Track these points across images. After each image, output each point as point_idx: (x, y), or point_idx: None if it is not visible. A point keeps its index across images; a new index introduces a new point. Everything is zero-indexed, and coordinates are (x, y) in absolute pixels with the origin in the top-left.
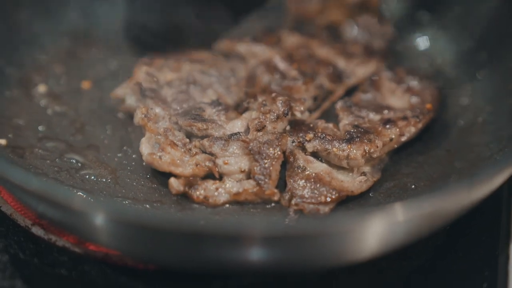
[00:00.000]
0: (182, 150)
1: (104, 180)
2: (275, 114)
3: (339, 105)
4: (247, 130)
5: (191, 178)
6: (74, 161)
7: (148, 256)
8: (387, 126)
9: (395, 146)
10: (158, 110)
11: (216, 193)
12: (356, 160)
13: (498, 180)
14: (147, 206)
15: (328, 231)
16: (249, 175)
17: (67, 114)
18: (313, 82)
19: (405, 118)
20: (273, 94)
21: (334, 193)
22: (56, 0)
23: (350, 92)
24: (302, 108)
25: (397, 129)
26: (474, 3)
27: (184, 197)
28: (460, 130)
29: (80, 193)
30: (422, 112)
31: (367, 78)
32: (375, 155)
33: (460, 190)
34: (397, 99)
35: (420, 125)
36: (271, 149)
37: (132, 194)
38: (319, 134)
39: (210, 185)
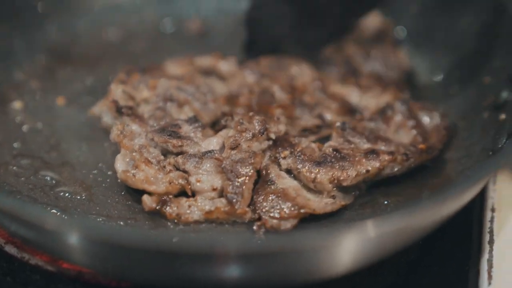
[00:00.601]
0: (156, 167)
1: (78, 197)
2: (251, 133)
3: (336, 124)
4: (223, 148)
5: (164, 196)
6: (48, 178)
7: (121, 273)
8: (369, 157)
9: (375, 178)
10: (134, 127)
11: (188, 211)
12: (322, 184)
13: (468, 195)
14: (121, 223)
15: (298, 247)
16: (222, 193)
17: (42, 131)
18: (290, 108)
19: (391, 153)
20: (250, 113)
21: (295, 209)
22: (33, 17)
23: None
24: (277, 129)
25: (378, 163)
26: (448, 20)
27: (158, 214)
28: None
29: (53, 211)
30: (414, 151)
31: (379, 108)
32: (345, 183)
33: (429, 206)
34: (402, 134)
35: (407, 164)
36: (244, 167)
37: (107, 211)
38: (296, 152)
39: (183, 202)
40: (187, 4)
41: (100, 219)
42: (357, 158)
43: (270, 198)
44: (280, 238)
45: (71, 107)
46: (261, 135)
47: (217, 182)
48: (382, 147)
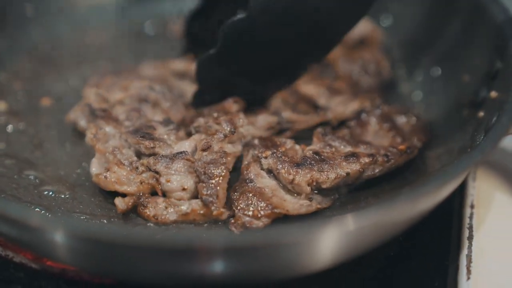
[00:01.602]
0: (128, 168)
1: (62, 196)
2: (222, 134)
3: (317, 130)
4: (195, 150)
5: (140, 196)
6: (32, 177)
7: (103, 270)
8: (349, 160)
9: (356, 181)
10: (108, 129)
11: (165, 212)
12: (299, 186)
13: (444, 191)
14: (104, 221)
15: (273, 242)
16: (192, 193)
17: (26, 131)
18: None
19: (371, 155)
20: (215, 114)
21: (268, 208)
22: (17, 19)
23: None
24: (241, 122)
25: (358, 165)
26: (429, 19)
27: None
28: None
29: (37, 210)
30: (395, 152)
31: (353, 115)
32: (324, 186)
33: (406, 201)
34: (381, 137)
35: (388, 165)
36: (216, 168)
37: (90, 209)
38: (277, 153)
39: (160, 202)
40: (170, 6)
41: (83, 217)
42: (337, 161)
43: (245, 196)
44: (254, 233)
45: (55, 108)
46: (233, 134)
47: (187, 182)
48: (362, 150)
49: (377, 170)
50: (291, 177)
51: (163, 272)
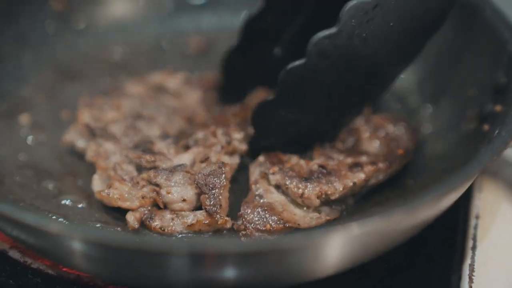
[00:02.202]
0: (130, 184)
1: (79, 205)
2: (219, 146)
3: (316, 147)
4: (194, 163)
5: (148, 211)
6: (51, 187)
7: (118, 277)
8: (354, 170)
9: (362, 190)
10: (108, 146)
11: (171, 223)
12: (309, 199)
13: (443, 203)
14: (118, 229)
15: (277, 248)
16: (192, 204)
17: (47, 143)
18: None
19: (374, 163)
20: (211, 128)
21: (280, 223)
22: (40, 36)
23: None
24: (239, 136)
25: (363, 174)
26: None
27: None
28: (423, 157)
29: (53, 217)
30: (394, 157)
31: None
32: (333, 197)
33: (405, 211)
34: (375, 145)
35: (390, 170)
36: (216, 179)
37: (105, 218)
38: (285, 168)
39: (166, 215)
40: (188, 21)
41: (99, 225)
42: (343, 172)
43: (257, 210)
44: (263, 240)
45: (74, 121)
46: (228, 145)
47: (187, 193)
48: (363, 159)
49: (380, 177)
50: (300, 191)
51: (177, 279)
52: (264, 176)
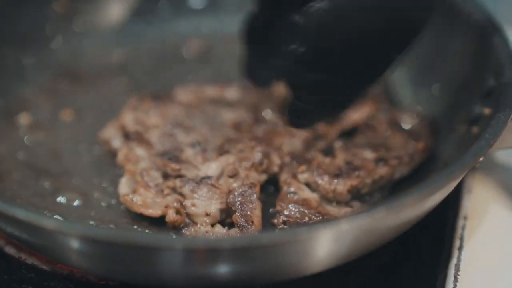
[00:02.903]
0: (154, 191)
1: (74, 203)
2: (250, 162)
3: (337, 144)
4: (221, 174)
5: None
6: (47, 185)
7: (110, 273)
8: (379, 164)
9: (387, 184)
10: (139, 151)
11: None
12: (341, 194)
13: (422, 204)
14: (112, 226)
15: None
16: (215, 218)
17: (45, 143)
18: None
19: (398, 157)
20: (252, 143)
21: (319, 215)
22: (41, 37)
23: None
24: (278, 161)
25: (389, 168)
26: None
27: (156, 224)
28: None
29: (48, 215)
30: (415, 151)
31: (363, 121)
32: (363, 191)
33: (384, 211)
34: (393, 139)
35: (413, 164)
36: (247, 200)
37: (99, 216)
38: (312, 167)
39: (200, 229)
40: (188, 25)
41: (93, 223)
42: (369, 167)
43: (294, 205)
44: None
45: (74, 122)
46: (260, 165)
47: (211, 207)
48: (386, 153)
49: (405, 171)
50: (332, 187)
51: (165, 274)
52: (294, 176)
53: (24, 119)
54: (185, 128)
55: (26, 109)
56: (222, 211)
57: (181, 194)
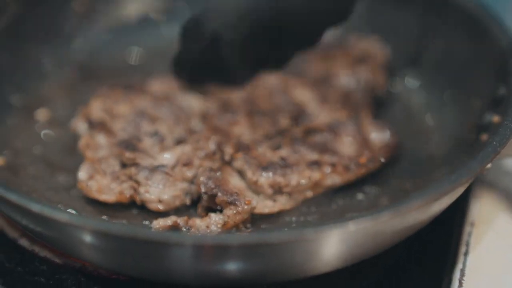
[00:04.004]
0: (110, 178)
1: (88, 197)
2: (204, 152)
3: (286, 137)
4: (176, 163)
5: (178, 222)
6: (62, 180)
7: (122, 268)
8: (311, 167)
9: (317, 189)
10: (100, 138)
11: (208, 231)
12: (262, 188)
13: (428, 210)
14: (123, 221)
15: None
16: (168, 205)
17: (61, 138)
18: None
19: (333, 164)
20: (209, 133)
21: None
22: (61, 33)
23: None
24: (230, 153)
25: (319, 173)
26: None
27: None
28: (423, 162)
29: (61, 209)
30: (355, 163)
31: (328, 124)
32: (285, 190)
33: (386, 214)
34: (349, 147)
35: (348, 176)
36: (220, 180)
37: (111, 211)
38: (248, 156)
39: (199, 223)
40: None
41: (104, 217)
42: (300, 168)
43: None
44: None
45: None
46: (213, 155)
47: (164, 194)
48: (326, 158)
49: (337, 180)
50: (255, 178)
51: (174, 268)
52: (230, 159)
53: (42, 114)
54: (149, 118)
55: (44, 105)
56: (175, 198)
57: (136, 182)
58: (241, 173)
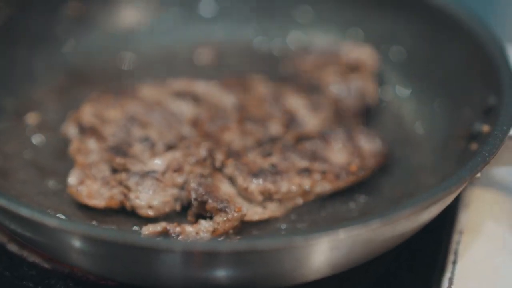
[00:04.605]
0: (100, 183)
1: (78, 202)
2: (195, 158)
3: (277, 144)
4: (166, 168)
5: (168, 229)
6: (52, 185)
7: (111, 273)
8: (301, 174)
9: (308, 196)
10: (91, 143)
11: (198, 237)
12: (252, 194)
13: (415, 219)
14: (113, 227)
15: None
16: (158, 211)
17: (52, 143)
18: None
19: (323, 172)
20: (199, 139)
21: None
22: (53, 37)
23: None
24: (221, 159)
25: (309, 181)
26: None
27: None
28: (412, 170)
29: (50, 213)
30: (345, 172)
31: (322, 131)
32: (275, 197)
33: (375, 222)
34: (340, 155)
35: (338, 184)
36: (210, 186)
37: (101, 217)
38: (238, 163)
39: (189, 230)
40: (198, 33)
41: (94, 223)
42: (290, 175)
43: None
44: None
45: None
46: (204, 161)
47: (154, 200)
48: (316, 166)
49: (327, 188)
50: (245, 185)
51: (162, 274)
52: (220, 165)
53: (32, 119)
54: (140, 123)
55: (35, 109)
56: (165, 204)
57: (126, 187)
58: (231, 180)
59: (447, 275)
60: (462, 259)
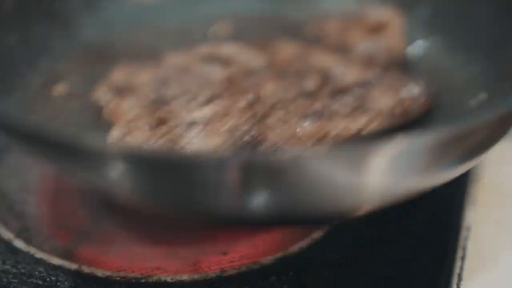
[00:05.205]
0: (145, 135)
1: None
2: (243, 102)
3: (319, 94)
4: (213, 116)
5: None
6: None
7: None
8: (348, 118)
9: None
10: (129, 101)
11: None
12: (301, 139)
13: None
14: None
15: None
16: None
17: (83, 112)
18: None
19: (369, 115)
20: (244, 89)
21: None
22: (70, 14)
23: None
24: (267, 107)
25: (356, 124)
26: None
27: None
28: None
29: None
30: (390, 114)
31: (360, 82)
32: (325, 141)
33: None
34: (384, 101)
35: (383, 127)
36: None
37: None
38: (284, 110)
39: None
40: (216, 7)
41: None
42: (337, 118)
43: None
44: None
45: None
46: (253, 105)
47: (207, 144)
48: (362, 110)
49: (374, 131)
50: (294, 129)
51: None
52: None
53: (60, 90)
54: (174, 83)
55: (61, 82)
56: (217, 148)
57: (174, 136)
58: (280, 125)
59: (456, 271)
60: (471, 255)
